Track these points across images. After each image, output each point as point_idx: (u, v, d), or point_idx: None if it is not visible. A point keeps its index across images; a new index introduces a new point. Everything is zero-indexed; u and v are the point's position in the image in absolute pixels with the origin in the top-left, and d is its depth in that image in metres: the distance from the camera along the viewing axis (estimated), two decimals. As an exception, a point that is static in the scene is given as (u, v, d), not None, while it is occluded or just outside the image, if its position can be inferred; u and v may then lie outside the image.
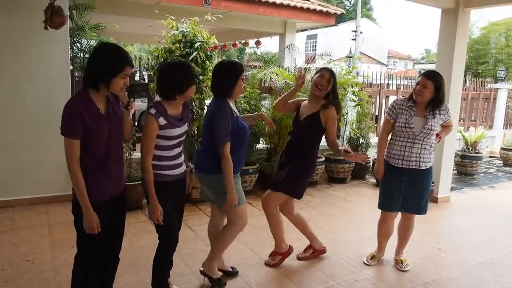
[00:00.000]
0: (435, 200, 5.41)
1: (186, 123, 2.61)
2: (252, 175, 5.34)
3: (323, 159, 6.15)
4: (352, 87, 6.30)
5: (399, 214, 3.48)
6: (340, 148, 3.15)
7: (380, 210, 3.46)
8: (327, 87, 3.16)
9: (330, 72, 3.22)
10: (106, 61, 2.08)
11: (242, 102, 5.32)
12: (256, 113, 3.20)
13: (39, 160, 4.66)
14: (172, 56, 4.77)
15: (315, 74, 3.26)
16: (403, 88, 8.15)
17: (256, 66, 8.71)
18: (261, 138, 5.72)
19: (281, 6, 7.88)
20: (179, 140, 2.56)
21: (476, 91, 9.37)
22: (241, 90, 2.94)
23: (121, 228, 2.44)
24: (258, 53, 10.30)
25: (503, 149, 8.58)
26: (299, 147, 3.32)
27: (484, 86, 9.76)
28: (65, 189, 4.14)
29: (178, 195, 2.69)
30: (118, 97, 2.27)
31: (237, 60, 2.97)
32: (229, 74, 2.81)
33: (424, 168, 3.22)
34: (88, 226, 2.11)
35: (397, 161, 3.25)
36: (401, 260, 3.51)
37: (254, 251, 3.72)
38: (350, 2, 41.32)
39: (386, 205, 3.39)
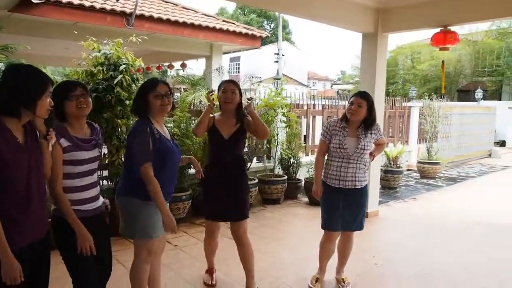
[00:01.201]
0: (365, 215, 5.55)
1: (97, 149, 2.32)
2: (186, 201, 5.10)
3: (256, 180, 6.12)
4: (282, 108, 6.38)
5: None
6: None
7: (323, 230, 3.44)
8: (235, 99, 3.12)
9: (234, 83, 3.23)
10: (27, 82, 1.83)
11: (172, 126, 5.12)
12: (184, 156, 3.00)
13: None
14: (94, 80, 4.45)
15: (218, 91, 3.20)
16: (328, 108, 8.47)
17: (183, 89, 8.54)
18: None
19: (207, 28, 7.85)
20: (89, 166, 2.25)
21: (392, 109, 10.03)
22: (159, 108, 2.58)
23: (46, 277, 2.12)
24: (182, 75, 10.15)
25: (419, 162, 9.19)
26: (236, 166, 3.23)
27: (395, 104, 10.49)
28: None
29: (96, 234, 2.28)
30: (35, 126, 1.97)
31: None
32: (141, 91, 2.63)
33: (359, 187, 3.29)
34: (9, 275, 1.78)
35: (334, 181, 3.28)
36: (343, 279, 3.52)
37: (192, 283, 3.51)
38: (270, 26, 42.88)
39: (328, 224, 3.39)
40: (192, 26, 7.57)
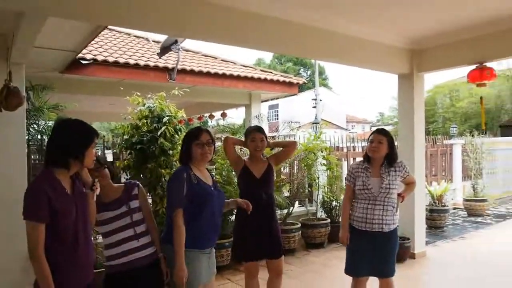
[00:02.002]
0: (412, 256, 5.41)
1: (124, 206, 2.42)
2: (228, 248, 4.99)
3: (299, 225, 6.00)
4: (321, 152, 6.33)
5: (376, 280, 3.30)
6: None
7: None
8: (264, 146, 3.38)
9: (261, 131, 3.41)
10: (76, 135, 1.97)
11: (214, 173, 5.17)
12: (230, 199, 3.06)
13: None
14: (139, 132, 4.61)
15: (246, 138, 3.42)
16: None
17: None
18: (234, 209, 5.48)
19: (245, 78, 8.03)
20: (118, 223, 2.37)
21: (434, 147, 9.76)
22: (200, 156, 2.64)
23: None
24: (223, 124, 10.34)
25: (466, 200, 8.89)
26: (269, 204, 3.33)
27: (436, 142, 10.24)
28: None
29: (148, 284, 2.39)
30: (81, 178, 2.09)
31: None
32: (182, 141, 2.77)
33: (387, 230, 3.12)
34: None
35: (360, 224, 3.15)
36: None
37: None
38: (307, 73, 43.65)
39: (352, 269, 3.25)
40: (231, 77, 7.78)
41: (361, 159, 3.33)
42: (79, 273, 1.98)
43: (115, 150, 6.06)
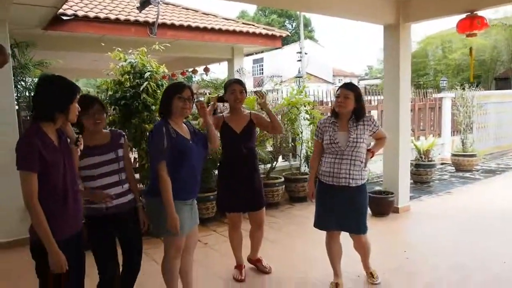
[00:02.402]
0: (396, 211, 5.51)
1: (112, 152, 2.55)
2: (213, 201, 5.21)
3: (283, 179, 6.18)
4: (305, 106, 6.41)
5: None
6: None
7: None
8: (243, 98, 3.43)
9: (241, 83, 3.45)
10: (59, 90, 2.06)
11: (196, 127, 5.23)
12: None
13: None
14: (122, 88, 4.65)
15: (226, 91, 3.45)
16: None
17: (208, 93, 8.70)
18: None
19: (227, 32, 7.96)
20: (106, 168, 2.51)
21: (422, 101, 9.72)
22: (181, 110, 2.70)
23: (83, 270, 2.29)
24: (206, 80, 10.32)
25: (453, 155, 8.82)
26: (250, 158, 3.46)
27: (427, 96, 10.14)
28: (20, 233, 3.84)
29: (124, 229, 2.58)
30: (67, 134, 2.21)
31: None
32: (163, 94, 2.82)
33: (354, 185, 3.10)
34: (56, 265, 1.97)
35: (327, 178, 3.16)
36: (371, 273, 3.49)
37: (223, 278, 3.63)
38: (292, 25, 42.79)
39: (320, 223, 3.31)
40: (212, 30, 7.71)
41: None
42: (69, 222, 2.11)
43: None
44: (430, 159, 7.61)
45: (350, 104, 3.12)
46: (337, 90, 3.22)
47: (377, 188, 6.05)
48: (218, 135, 3.26)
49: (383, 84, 5.79)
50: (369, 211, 5.38)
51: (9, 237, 4.30)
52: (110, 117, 4.76)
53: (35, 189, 1.94)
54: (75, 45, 7.22)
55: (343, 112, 3.15)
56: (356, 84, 3.35)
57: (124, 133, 2.74)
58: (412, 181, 7.03)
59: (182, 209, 2.69)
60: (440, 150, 9.39)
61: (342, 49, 76.23)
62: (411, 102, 9.03)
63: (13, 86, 4.58)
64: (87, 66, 10.71)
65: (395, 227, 5.05)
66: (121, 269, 2.68)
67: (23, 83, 5.46)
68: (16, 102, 4.70)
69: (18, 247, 4.07)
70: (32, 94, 5.17)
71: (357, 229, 3.23)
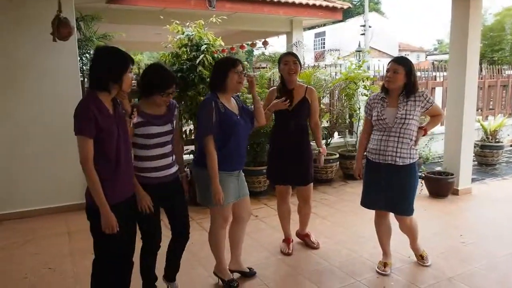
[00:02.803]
0: (455, 193, 5.26)
1: (169, 124, 2.57)
2: (265, 175, 5.27)
3: (337, 156, 6.08)
4: (363, 81, 6.20)
5: None
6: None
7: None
8: (297, 69, 3.33)
9: (294, 55, 3.39)
10: (114, 61, 2.14)
11: (250, 103, 5.26)
12: (266, 110, 3.21)
13: (57, 170, 4.73)
14: (179, 61, 4.76)
15: (280, 64, 3.41)
16: (420, 80, 7.97)
17: (265, 67, 8.66)
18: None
19: (286, 4, 7.82)
20: (161, 139, 2.53)
21: (493, 78, 9.03)
22: (235, 84, 2.74)
23: (134, 232, 2.43)
24: (266, 54, 10.24)
25: None
26: (299, 134, 3.42)
27: (501, 73, 9.40)
28: (83, 197, 4.15)
29: (166, 199, 2.62)
30: (123, 106, 2.29)
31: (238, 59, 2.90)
32: (217, 68, 2.83)
33: (401, 164, 2.97)
34: (107, 225, 2.10)
35: (374, 155, 3.07)
36: (421, 255, 3.38)
37: (270, 251, 3.68)
38: (357, -3, 40.98)
39: (366, 202, 3.23)
40: (271, 2, 7.61)
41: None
42: (121, 188, 2.23)
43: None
44: (497, 140, 7.13)
45: (400, 79, 2.96)
46: (388, 64, 3.07)
47: (438, 168, 5.77)
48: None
49: (449, 58, 5.41)
50: (426, 192, 5.24)
51: (78, 200, 4.64)
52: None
53: (91, 154, 2.05)
54: (137, 18, 7.51)
55: (392, 87, 3.00)
56: (407, 58, 3.14)
57: (177, 104, 2.79)
58: (476, 162, 6.66)
59: (228, 180, 2.77)
60: (510, 131, 8.69)
61: (411, 22, 71.98)
62: (481, 79, 8.42)
63: (78, 58, 4.85)
64: (149, 39, 11.05)
65: (453, 210, 4.81)
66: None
67: (87, 55, 5.76)
68: (80, 74, 4.98)
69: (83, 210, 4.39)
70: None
71: (402, 210, 3.11)
